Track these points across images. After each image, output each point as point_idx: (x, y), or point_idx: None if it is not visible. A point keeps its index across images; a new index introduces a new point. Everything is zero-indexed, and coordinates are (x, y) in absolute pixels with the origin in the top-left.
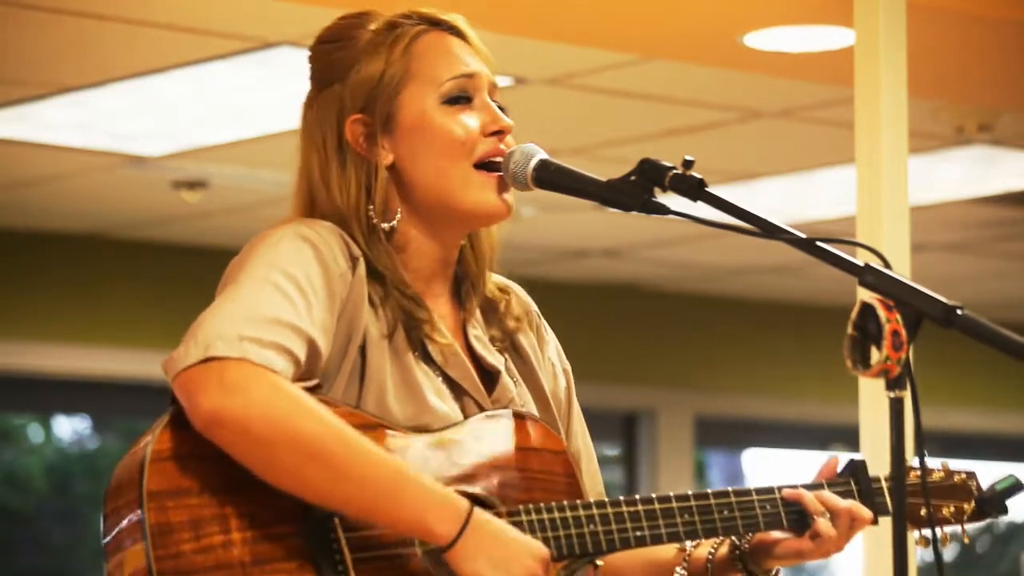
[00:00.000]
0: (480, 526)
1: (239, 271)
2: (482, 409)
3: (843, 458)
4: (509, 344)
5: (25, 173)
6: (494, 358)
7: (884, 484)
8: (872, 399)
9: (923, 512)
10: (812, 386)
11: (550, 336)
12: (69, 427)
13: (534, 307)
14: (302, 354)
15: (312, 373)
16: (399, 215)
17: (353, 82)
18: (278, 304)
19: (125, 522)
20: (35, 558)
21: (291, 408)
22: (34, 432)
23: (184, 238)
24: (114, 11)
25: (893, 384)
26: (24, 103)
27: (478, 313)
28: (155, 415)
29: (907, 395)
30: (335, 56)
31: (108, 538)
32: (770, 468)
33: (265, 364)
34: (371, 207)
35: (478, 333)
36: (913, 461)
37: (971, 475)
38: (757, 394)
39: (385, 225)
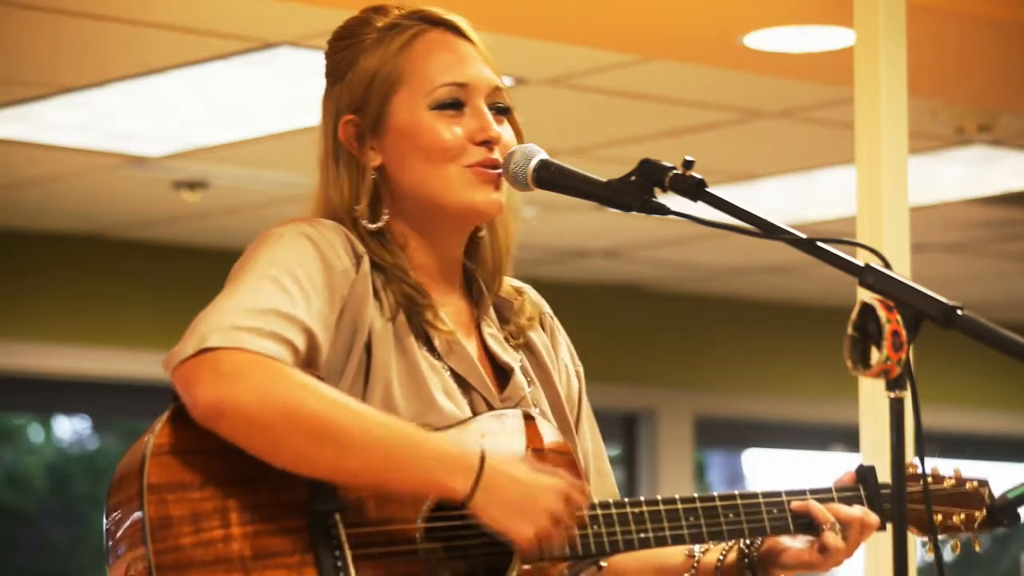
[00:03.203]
0: (494, 474)
1: (239, 269)
2: (490, 405)
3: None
4: (524, 343)
5: (25, 173)
6: (508, 356)
7: None
8: (872, 399)
9: (935, 518)
10: (812, 386)
11: (563, 337)
12: (69, 427)
13: (547, 308)
14: (300, 343)
15: (315, 365)
16: (385, 216)
17: (350, 81)
18: (275, 296)
19: (125, 516)
20: (35, 558)
21: (289, 389)
22: (34, 432)
23: (184, 238)
24: (114, 11)
25: (893, 384)
26: (24, 103)
27: (492, 312)
28: (155, 415)
29: (907, 395)
30: (341, 55)
31: (109, 533)
32: (770, 468)
33: (260, 351)
34: (357, 208)
35: (493, 331)
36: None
37: (983, 483)
38: (757, 394)
39: (371, 226)
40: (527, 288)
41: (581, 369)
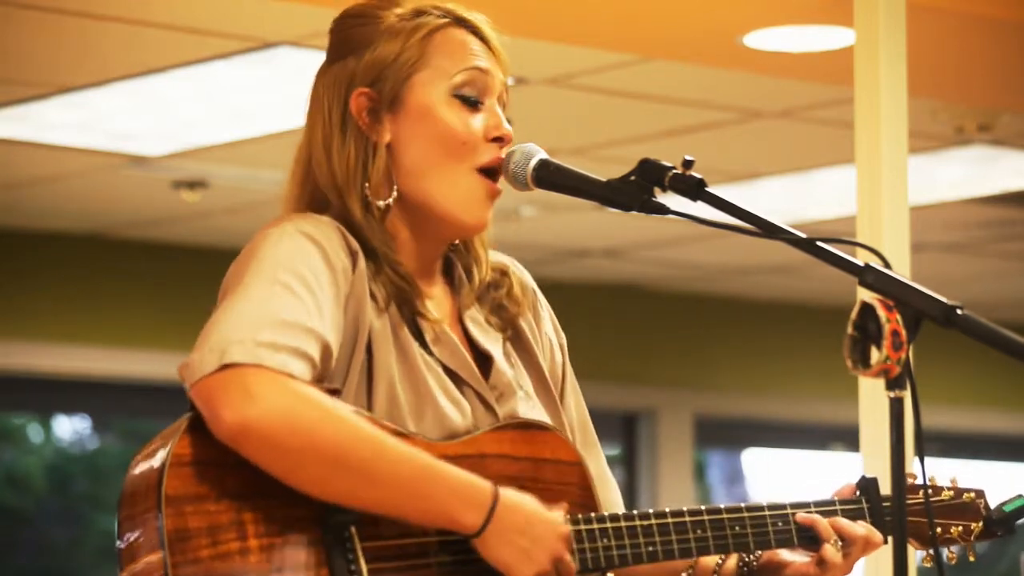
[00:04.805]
0: (506, 511)
1: (244, 271)
2: (481, 397)
3: (856, 478)
4: (509, 326)
5: (25, 173)
6: (489, 341)
7: None
8: (872, 399)
9: (931, 531)
10: (812, 386)
11: (546, 310)
12: (69, 427)
13: (531, 283)
14: (317, 356)
15: (327, 372)
16: (395, 194)
17: (368, 58)
18: (290, 305)
19: (141, 528)
20: (35, 558)
21: (313, 414)
22: (34, 432)
23: (184, 238)
24: (114, 11)
25: (893, 384)
26: (24, 103)
27: (474, 298)
28: (155, 415)
29: (907, 395)
30: (356, 31)
31: (124, 545)
32: (770, 468)
33: (282, 369)
34: (367, 184)
35: (473, 313)
36: (920, 479)
37: (980, 494)
38: (757, 394)
39: (380, 202)
40: (511, 265)
41: (564, 340)
